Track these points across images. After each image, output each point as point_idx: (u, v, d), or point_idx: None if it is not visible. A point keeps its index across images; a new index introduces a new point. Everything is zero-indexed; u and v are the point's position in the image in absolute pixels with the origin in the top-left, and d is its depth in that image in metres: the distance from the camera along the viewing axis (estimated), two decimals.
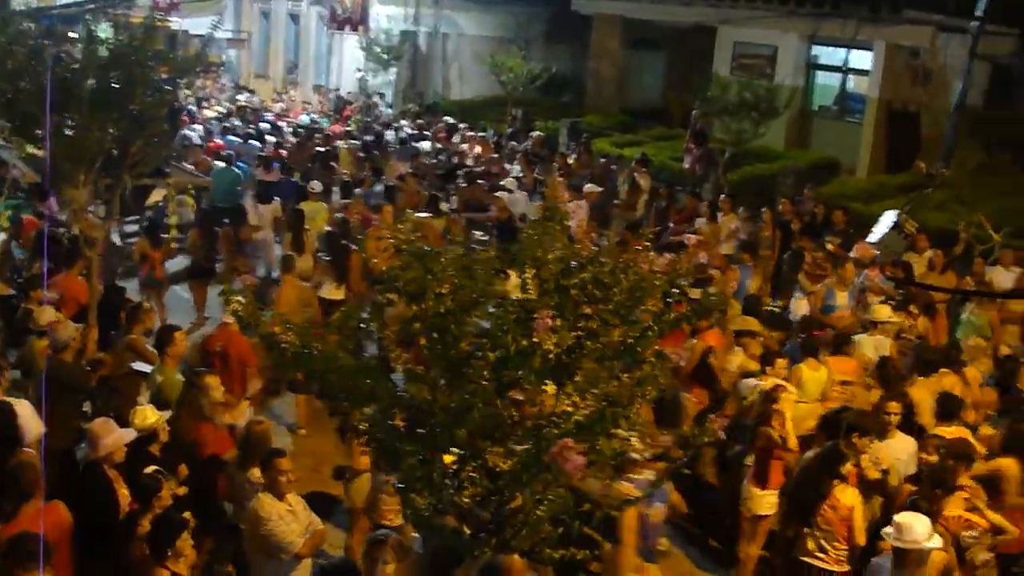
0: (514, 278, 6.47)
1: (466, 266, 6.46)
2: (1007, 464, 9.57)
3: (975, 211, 18.54)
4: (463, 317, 6.25)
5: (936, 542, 8.02)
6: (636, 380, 6.36)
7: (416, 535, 7.69)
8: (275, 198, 19.04)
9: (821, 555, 9.22)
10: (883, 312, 13.39)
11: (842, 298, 14.69)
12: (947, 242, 17.73)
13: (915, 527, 7.97)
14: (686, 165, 24.86)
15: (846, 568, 9.24)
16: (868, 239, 16.28)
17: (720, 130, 23.99)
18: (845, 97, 28.40)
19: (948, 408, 10.50)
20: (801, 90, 27.71)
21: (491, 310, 6.29)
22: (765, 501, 10.32)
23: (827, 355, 12.13)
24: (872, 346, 12.65)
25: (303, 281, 14.68)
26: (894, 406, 10.31)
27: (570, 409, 6.09)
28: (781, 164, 25.27)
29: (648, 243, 9.07)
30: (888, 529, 8.16)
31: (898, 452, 10.04)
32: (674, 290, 6.60)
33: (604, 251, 7.18)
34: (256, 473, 8.87)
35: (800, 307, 14.78)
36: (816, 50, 28.33)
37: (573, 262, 6.51)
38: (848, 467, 9.34)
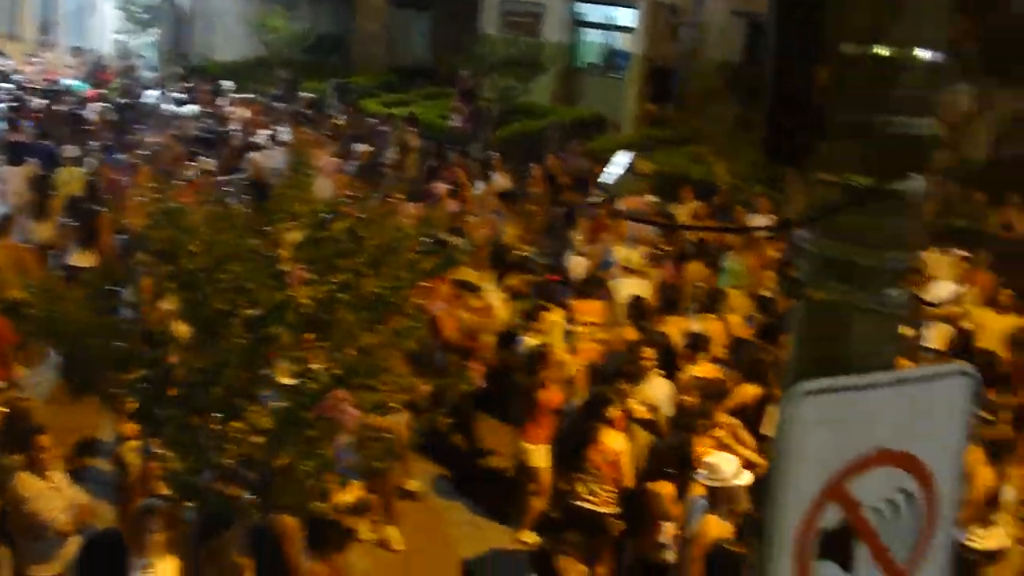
0: None
1: (220, 220, 6.32)
2: (751, 391, 10.01)
3: (733, 163, 19.22)
4: (216, 275, 6.12)
5: (745, 478, 8.28)
6: (394, 331, 6.35)
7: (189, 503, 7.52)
8: (27, 160, 18.15)
9: (592, 498, 9.42)
10: (632, 257, 13.86)
11: (620, 252, 14.96)
12: (709, 192, 18.35)
13: (723, 466, 8.22)
14: (456, 123, 24.91)
15: (616, 509, 9.48)
16: (601, 179, 16.78)
17: (488, 88, 24.08)
18: (611, 54, 28.94)
19: (697, 347, 10.89)
20: (568, 47, 28.09)
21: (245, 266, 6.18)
22: (538, 454, 10.49)
23: (572, 299, 12.45)
24: (628, 289, 13.02)
25: (48, 248, 14.14)
26: (649, 351, 10.61)
27: (327, 364, 6.04)
28: (549, 120, 25.58)
29: (402, 195, 9.05)
30: (700, 470, 8.39)
31: (657, 394, 10.35)
32: (426, 239, 6.61)
33: (358, 203, 7.12)
34: (18, 452, 8.49)
35: (576, 265, 14.97)
36: (582, 8, 28.75)
37: (326, 214, 6.44)
38: (614, 411, 9.56)
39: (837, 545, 3.39)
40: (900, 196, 3.31)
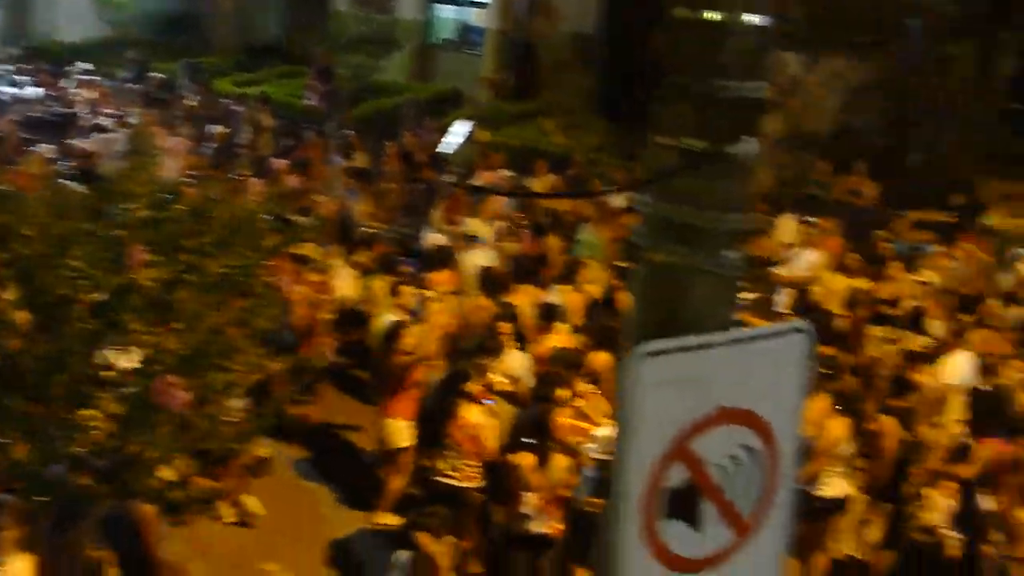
0: None
1: (56, 204, 6.13)
2: (602, 358, 10.13)
3: (587, 135, 19.39)
4: (54, 260, 5.94)
5: None
6: (243, 310, 6.27)
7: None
8: None
9: (454, 474, 9.44)
10: (477, 227, 14.06)
11: (485, 231, 14.98)
12: (563, 166, 18.49)
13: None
14: (311, 102, 24.62)
15: (479, 483, 9.51)
16: (440, 149, 16.91)
17: (342, 66, 23.88)
18: (466, 30, 28.92)
19: (551, 317, 10.99)
20: (422, 24, 27.98)
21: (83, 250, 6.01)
22: (401, 432, 10.46)
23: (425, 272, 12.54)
24: (478, 259, 13.14)
25: None
26: (505, 326, 10.66)
27: (174, 346, 5.92)
28: (404, 98, 25.45)
29: (247, 173, 8.91)
30: (591, 443, 8.42)
31: (516, 366, 10.40)
32: (270, 217, 6.52)
33: (202, 183, 7.00)
34: None
35: (434, 240, 14.94)
36: None
37: (167, 195, 6.31)
38: (474, 386, 9.57)
39: (683, 503, 3.44)
40: (733, 159, 3.36)
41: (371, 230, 14.48)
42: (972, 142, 19.41)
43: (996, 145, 19.27)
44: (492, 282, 12.00)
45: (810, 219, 15.89)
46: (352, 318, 12.31)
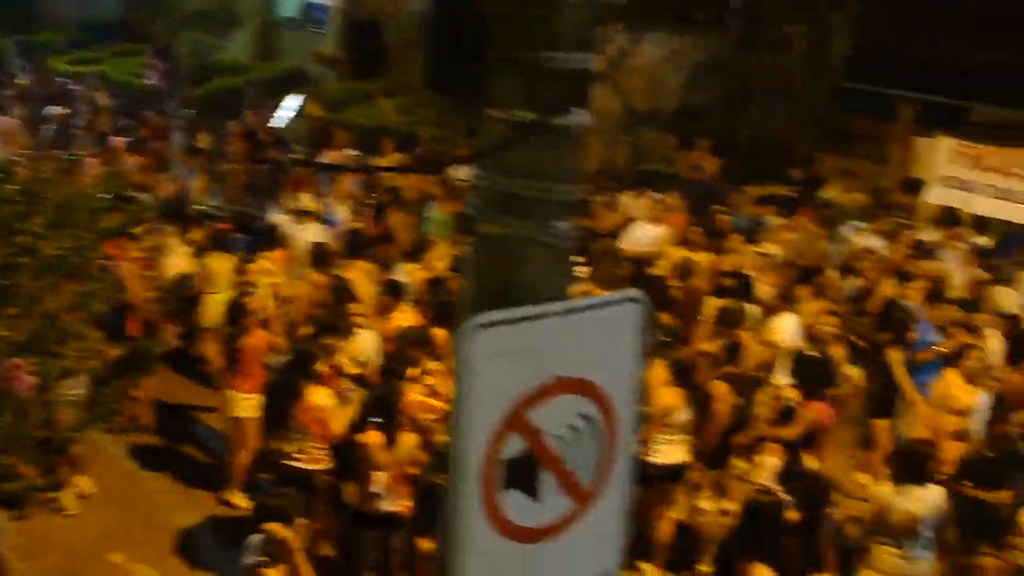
0: None
1: None
2: (440, 334, 10.13)
3: (430, 112, 19.39)
4: None
5: None
6: (79, 294, 6.10)
7: None
8: None
9: (301, 456, 9.34)
10: (306, 201, 14.25)
11: (343, 212, 14.87)
12: (410, 145, 18.47)
13: None
14: (152, 81, 24.04)
15: (326, 465, 9.43)
16: (272, 124, 16.93)
17: (183, 43, 23.39)
18: (308, 8, 28.51)
19: (395, 295, 10.99)
20: (264, 1, 27.51)
21: None
22: (246, 404, 10.35)
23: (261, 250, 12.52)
24: (309, 236, 13.14)
25: None
26: (356, 307, 10.61)
27: (8, 333, 5.73)
28: (248, 76, 25.03)
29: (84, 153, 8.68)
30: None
31: (365, 348, 10.35)
32: (107, 197, 6.36)
33: (34, 163, 6.78)
34: None
35: (279, 220, 14.80)
36: None
37: None
38: (322, 367, 9.48)
39: (522, 474, 3.46)
40: (562, 130, 3.39)
41: (208, 209, 14.31)
42: (809, 119, 19.94)
43: (830, 122, 19.84)
44: (322, 258, 11.97)
45: (655, 194, 16.14)
46: (186, 297, 12.16)
